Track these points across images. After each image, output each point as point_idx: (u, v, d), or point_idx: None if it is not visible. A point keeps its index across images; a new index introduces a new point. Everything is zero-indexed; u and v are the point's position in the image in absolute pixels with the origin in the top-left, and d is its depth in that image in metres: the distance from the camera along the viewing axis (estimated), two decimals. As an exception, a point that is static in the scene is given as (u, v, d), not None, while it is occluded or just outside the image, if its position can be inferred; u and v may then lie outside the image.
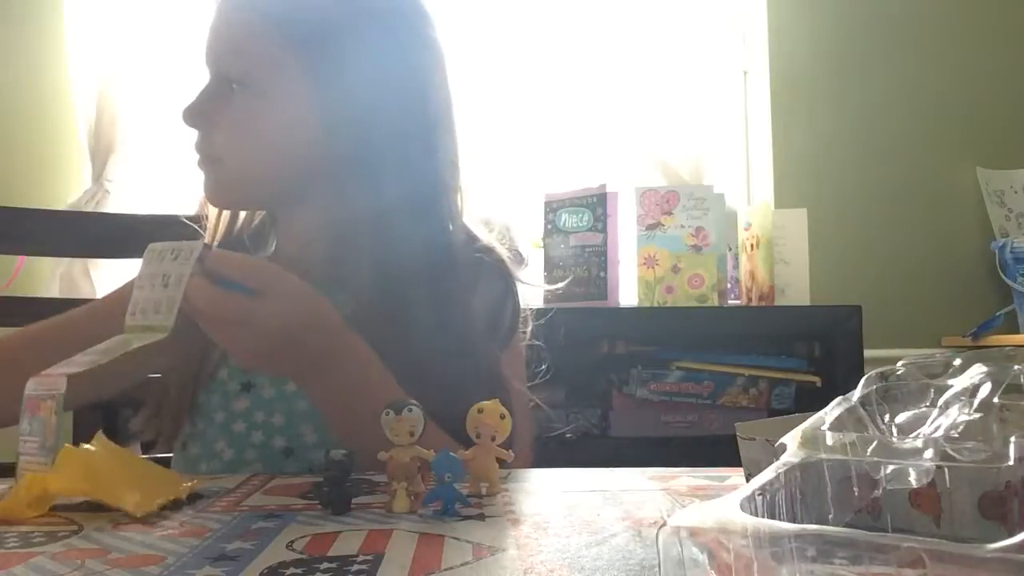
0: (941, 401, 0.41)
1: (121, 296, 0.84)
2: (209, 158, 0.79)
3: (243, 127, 0.78)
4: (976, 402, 0.40)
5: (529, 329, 0.90)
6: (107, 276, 1.95)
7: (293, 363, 0.68)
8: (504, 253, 0.87)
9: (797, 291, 1.86)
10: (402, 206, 0.79)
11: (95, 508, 0.50)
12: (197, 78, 0.81)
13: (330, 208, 0.81)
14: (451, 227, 0.83)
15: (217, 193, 0.82)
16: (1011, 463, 0.35)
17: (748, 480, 0.50)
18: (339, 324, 0.70)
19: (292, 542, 0.44)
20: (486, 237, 0.88)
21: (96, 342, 0.60)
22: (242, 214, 0.88)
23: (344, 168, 0.79)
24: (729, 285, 1.90)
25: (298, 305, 0.67)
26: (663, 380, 1.76)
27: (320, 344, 0.68)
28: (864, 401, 0.43)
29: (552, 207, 1.85)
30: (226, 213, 0.87)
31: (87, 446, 0.55)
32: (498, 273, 0.86)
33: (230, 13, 0.79)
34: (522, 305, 0.88)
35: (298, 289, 0.68)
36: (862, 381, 0.45)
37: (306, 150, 0.80)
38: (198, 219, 0.91)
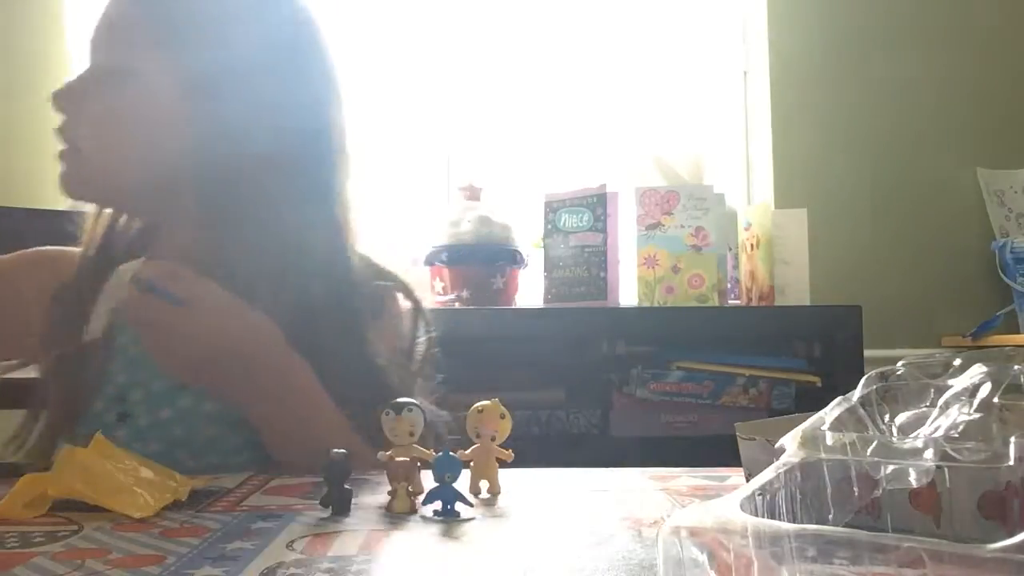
0: (941, 401, 0.41)
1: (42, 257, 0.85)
2: (71, 147, 0.77)
3: (109, 119, 0.76)
4: (976, 402, 0.40)
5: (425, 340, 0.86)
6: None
7: (228, 378, 0.69)
8: (404, 277, 0.85)
9: (797, 291, 1.86)
10: (291, 235, 0.76)
11: (95, 508, 0.50)
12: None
13: (210, 230, 0.77)
14: (345, 258, 0.80)
15: (68, 183, 0.78)
16: (1011, 463, 0.35)
17: (748, 480, 0.50)
18: (276, 339, 0.70)
19: (292, 542, 0.44)
20: (384, 263, 0.85)
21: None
22: (121, 219, 0.85)
23: (222, 189, 0.76)
24: (729, 285, 1.90)
25: (226, 319, 0.68)
26: (663, 380, 1.76)
27: (256, 360, 0.68)
28: (864, 401, 0.43)
29: (552, 207, 1.85)
30: (104, 217, 0.84)
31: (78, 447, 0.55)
32: (400, 298, 0.84)
33: (115, 3, 0.78)
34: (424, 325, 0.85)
35: (227, 303, 0.69)
36: (862, 381, 0.45)
37: (173, 159, 0.77)
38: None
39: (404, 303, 0.85)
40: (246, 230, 0.76)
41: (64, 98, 0.76)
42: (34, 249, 0.88)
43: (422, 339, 0.84)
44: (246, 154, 0.75)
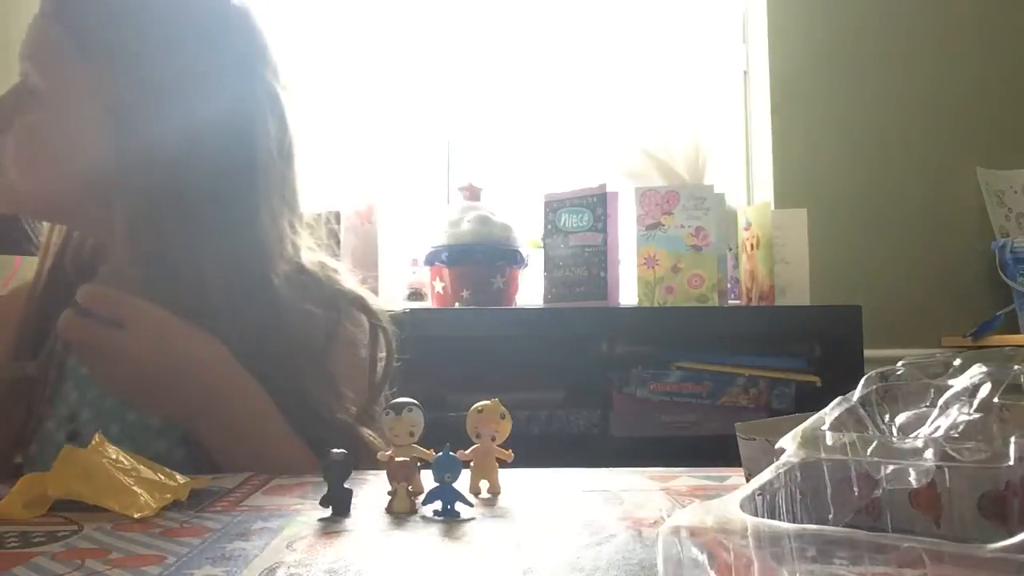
0: (941, 401, 0.41)
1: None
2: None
3: (28, 138, 0.75)
4: (976, 402, 0.40)
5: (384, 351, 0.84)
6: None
7: (172, 400, 0.69)
8: (360, 292, 0.84)
9: (797, 291, 1.86)
10: (215, 259, 0.74)
11: (95, 508, 0.50)
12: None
13: (139, 250, 0.74)
14: (276, 277, 0.77)
15: (5, 203, 0.79)
16: (1011, 463, 0.35)
17: (748, 480, 0.50)
18: (219, 355, 0.70)
19: (292, 542, 0.44)
20: (338, 280, 0.83)
21: None
22: (75, 233, 0.84)
23: (146, 208, 0.74)
24: (729, 285, 1.90)
25: (165, 341, 0.68)
26: (663, 380, 1.76)
27: (200, 380, 0.69)
28: (864, 401, 0.43)
29: (552, 207, 1.85)
30: (59, 229, 0.84)
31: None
32: (354, 311, 0.83)
33: (37, 16, 0.77)
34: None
35: (165, 325, 0.69)
36: (862, 381, 0.45)
37: (92, 176, 0.75)
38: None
39: (361, 319, 0.83)
40: (173, 251, 0.74)
41: None
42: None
43: (382, 355, 0.82)
44: (167, 172, 0.73)
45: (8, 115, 0.75)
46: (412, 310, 1.53)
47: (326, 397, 0.76)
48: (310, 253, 0.84)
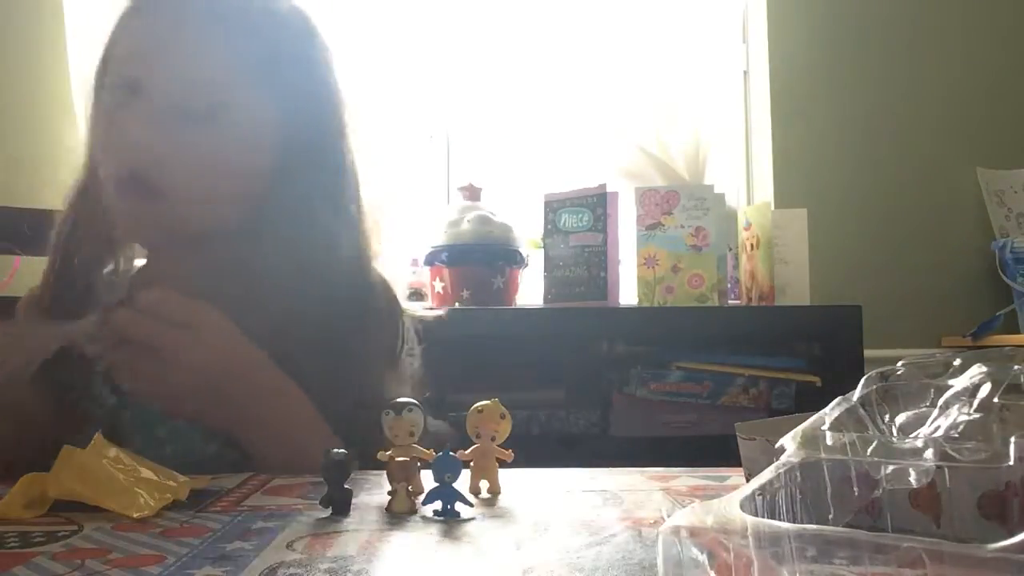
0: (941, 401, 0.41)
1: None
2: (149, 189, 0.71)
3: (200, 159, 0.73)
4: (976, 402, 0.40)
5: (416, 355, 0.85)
6: (107, 276, 1.94)
7: (219, 409, 0.68)
8: (402, 297, 0.85)
9: (797, 291, 1.86)
10: (315, 243, 0.75)
11: (95, 508, 0.50)
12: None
13: (251, 250, 0.75)
14: (363, 263, 0.79)
15: (145, 230, 0.76)
16: (1011, 463, 0.35)
17: (748, 480, 0.50)
18: (269, 369, 0.69)
19: (292, 542, 0.44)
20: (389, 278, 0.84)
21: None
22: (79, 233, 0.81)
23: (270, 201, 0.75)
24: (729, 285, 1.90)
25: (225, 350, 0.67)
26: (663, 380, 1.76)
27: (248, 391, 0.68)
28: (864, 401, 0.43)
29: (552, 207, 1.85)
30: (68, 231, 0.80)
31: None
32: (398, 319, 0.84)
33: (195, 32, 0.73)
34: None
35: (229, 332, 0.68)
36: (862, 381, 0.45)
37: (253, 183, 0.76)
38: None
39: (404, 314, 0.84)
40: (279, 245, 0.74)
41: (145, 149, 0.71)
42: (22, 300, 0.86)
43: (415, 354, 0.84)
44: (303, 182, 0.75)
45: (159, 147, 0.71)
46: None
47: (377, 390, 0.75)
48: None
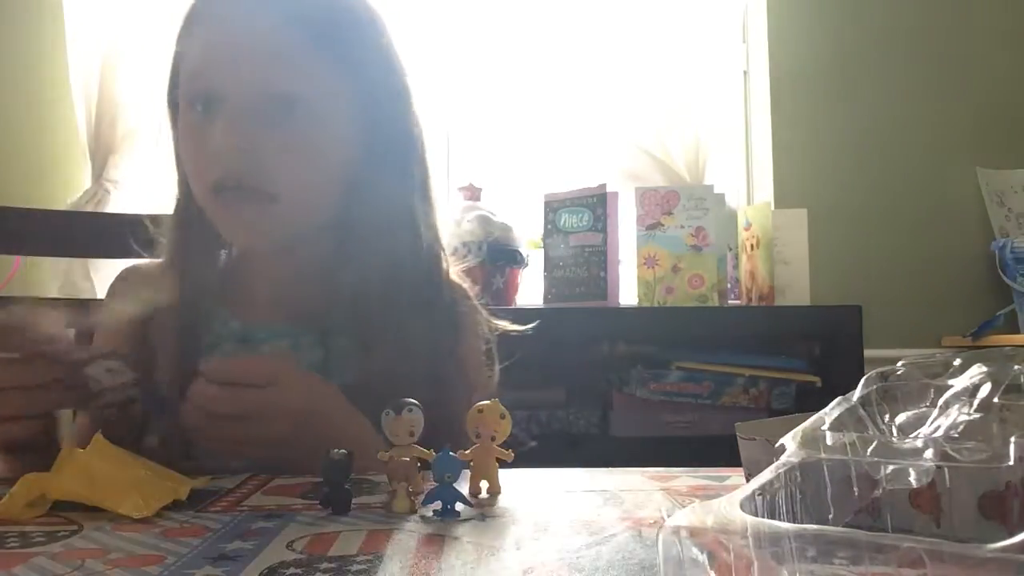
0: (941, 401, 0.41)
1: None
2: (259, 194, 0.71)
3: (307, 156, 0.72)
4: (976, 402, 0.40)
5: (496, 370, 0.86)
6: (107, 276, 1.95)
7: (300, 446, 0.67)
8: (473, 289, 0.86)
9: (797, 291, 1.86)
10: (394, 229, 0.76)
11: (95, 508, 0.50)
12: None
13: (330, 238, 0.77)
14: (433, 250, 0.81)
15: (259, 233, 0.75)
16: (1011, 463, 0.35)
17: (748, 480, 0.50)
18: (339, 401, 0.70)
19: (292, 542, 0.44)
20: (454, 271, 0.85)
21: None
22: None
23: (356, 191, 0.76)
24: (729, 285, 1.90)
25: (304, 392, 0.68)
26: (663, 380, 1.76)
27: (324, 425, 0.68)
28: (864, 401, 0.43)
29: (552, 207, 1.85)
30: (191, 241, 0.80)
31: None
32: (472, 310, 0.84)
33: (265, 28, 0.72)
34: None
35: (303, 377, 0.69)
36: (862, 381, 0.45)
37: (347, 172, 0.76)
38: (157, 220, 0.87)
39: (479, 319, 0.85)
40: (374, 243, 0.76)
41: (241, 135, 0.69)
42: (123, 271, 0.87)
43: (491, 360, 0.85)
44: (386, 169, 0.76)
45: (259, 144, 0.70)
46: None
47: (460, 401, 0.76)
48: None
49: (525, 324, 0.88)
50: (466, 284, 0.86)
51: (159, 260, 0.84)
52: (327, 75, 0.73)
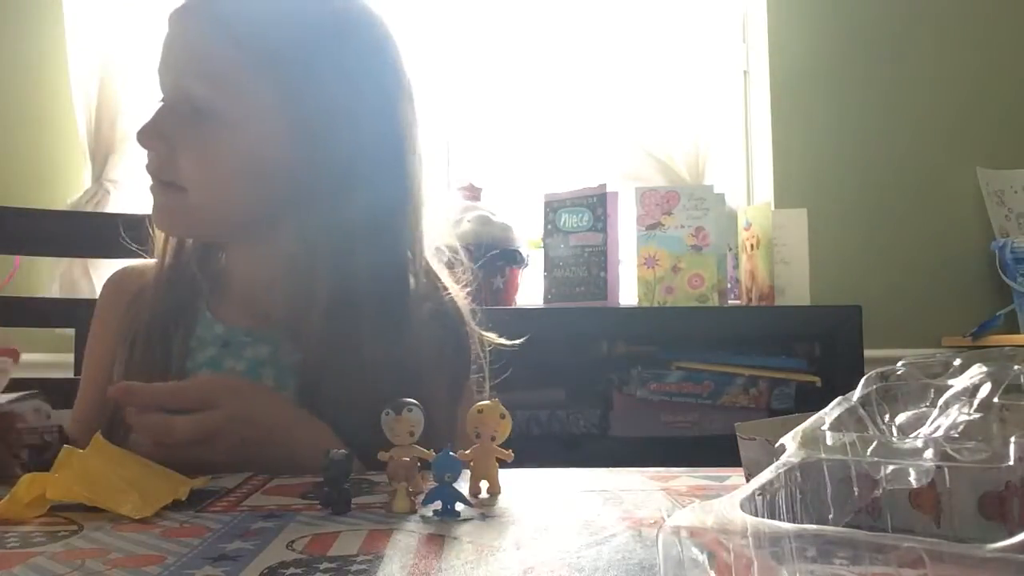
0: (941, 401, 0.41)
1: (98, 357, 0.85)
2: (168, 185, 0.76)
3: (211, 156, 0.75)
4: (976, 402, 0.40)
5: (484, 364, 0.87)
6: (107, 276, 1.94)
7: (259, 460, 0.69)
8: (461, 297, 0.86)
9: (797, 291, 1.86)
10: (365, 236, 0.77)
11: (95, 508, 0.50)
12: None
13: (292, 241, 0.78)
14: (411, 257, 0.81)
15: (175, 222, 0.79)
16: (1011, 463, 0.35)
17: (748, 480, 0.50)
18: (286, 407, 0.72)
19: (292, 542, 0.44)
20: (445, 278, 0.86)
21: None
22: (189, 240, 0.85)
23: (310, 196, 0.77)
24: (729, 285, 1.90)
25: (250, 405, 0.70)
26: (663, 380, 1.76)
27: (270, 431, 0.69)
28: (864, 401, 0.43)
29: (552, 207, 1.85)
30: (173, 238, 0.84)
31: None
32: (453, 320, 0.84)
33: (193, 33, 0.76)
34: (477, 345, 0.87)
35: (246, 390, 0.71)
36: (862, 381, 0.45)
37: (276, 179, 0.77)
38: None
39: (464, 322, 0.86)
40: (342, 230, 0.77)
41: (155, 137, 0.75)
42: (115, 274, 0.89)
43: (463, 362, 0.85)
44: (337, 159, 0.77)
45: (170, 136, 0.74)
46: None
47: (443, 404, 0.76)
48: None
49: (524, 324, 0.87)
50: (458, 298, 0.85)
51: (153, 260, 0.85)
52: (256, 95, 0.75)
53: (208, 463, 0.66)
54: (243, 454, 0.68)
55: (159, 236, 0.84)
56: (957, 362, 0.44)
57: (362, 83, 0.79)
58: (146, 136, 0.75)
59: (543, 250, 1.85)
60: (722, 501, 0.29)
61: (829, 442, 0.37)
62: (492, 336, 0.87)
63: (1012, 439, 0.35)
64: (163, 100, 0.76)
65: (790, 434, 0.38)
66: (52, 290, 1.93)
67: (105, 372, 0.82)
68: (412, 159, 0.81)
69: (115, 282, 0.88)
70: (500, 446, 0.55)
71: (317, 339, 0.76)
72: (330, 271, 0.76)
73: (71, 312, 1.09)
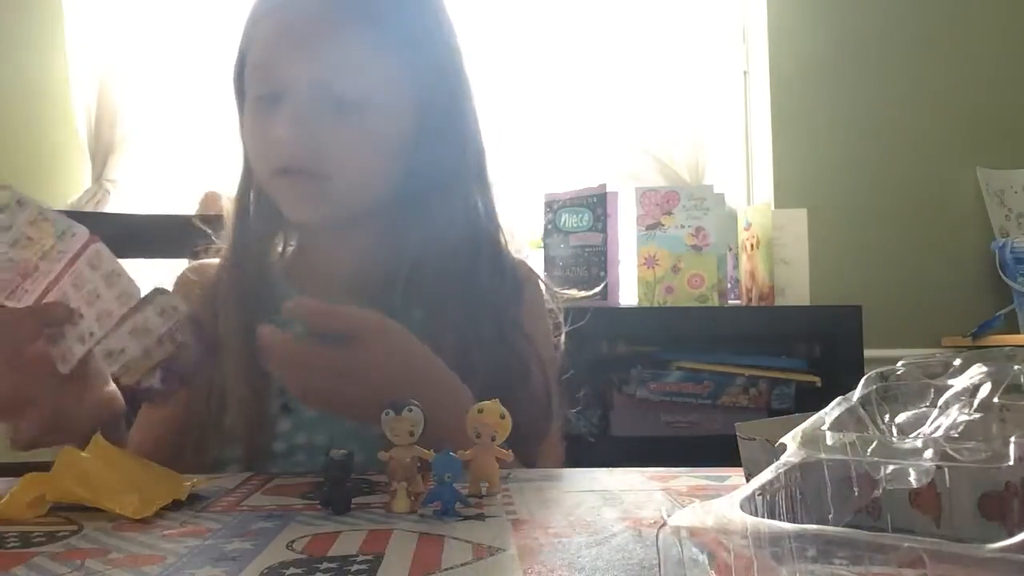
0: (941, 401, 0.41)
1: None
2: (310, 174, 0.75)
3: (356, 142, 0.76)
4: (976, 402, 0.40)
5: (562, 339, 0.90)
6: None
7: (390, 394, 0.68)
8: (536, 272, 0.90)
9: (797, 291, 1.86)
10: (448, 213, 0.80)
11: (95, 508, 0.50)
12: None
13: (393, 220, 0.81)
14: (493, 231, 0.85)
15: (317, 209, 0.78)
16: (1011, 463, 0.35)
17: (748, 480, 0.50)
18: (436, 364, 0.70)
19: (292, 542, 0.44)
20: (522, 255, 0.90)
21: None
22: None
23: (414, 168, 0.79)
24: (729, 285, 1.90)
25: (400, 354, 0.67)
26: (663, 380, 1.76)
27: (422, 388, 0.65)
28: (864, 401, 0.43)
29: (552, 207, 1.85)
30: (238, 219, 0.83)
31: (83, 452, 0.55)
32: (538, 292, 0.88)
33: (327, 18, 0.75)
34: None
35: (399, 336, 0.67)
36: (862, 381, 0.45)
37: (402, 155, 0.79)
38: (208, 220, 0.89)
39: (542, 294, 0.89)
40: (433, 224, 0.79)
41: (309, 136, 0.74)
42: (188, 268, 0.89)
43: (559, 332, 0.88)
44: (446, 162, 0.80)
45: (320, 133, 0.74)
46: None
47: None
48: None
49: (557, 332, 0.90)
50: (528, 261, 0.89)
51: (217, 260, 0.85)
52: (384, 70, 0.76)
53: (348, 402, 0.65)
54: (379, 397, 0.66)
55: (228, 229, 0.83)
56: (957, 362, 0.44)
57: (451, 41, 0.82)
58: (300, 135, 0.73)
59: (543, 250, 1.85)
60: (722, 501, 0.29)
61: (829, 442, 0.37)
62: (571, 292, 0.90)
63: (1012, 439, 0.35)
64: (287, 94, 0.75)
65: (790, 434, 0.38)
66: (52, 290, 1.93)
67: None
68: (480, 130, 0.85)
69: (193, 271, 0.88)
70: (500, 446, 0.55)
71: (412, 309, 0.77)
72: (418, 241, 0.79)
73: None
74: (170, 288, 0.80)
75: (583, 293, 0.88)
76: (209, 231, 0.87)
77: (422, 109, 0.79)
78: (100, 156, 2.01)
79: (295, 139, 0.74)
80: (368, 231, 0.82)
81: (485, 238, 0.83)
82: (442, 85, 0.80)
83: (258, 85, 0.77)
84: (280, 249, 0.86)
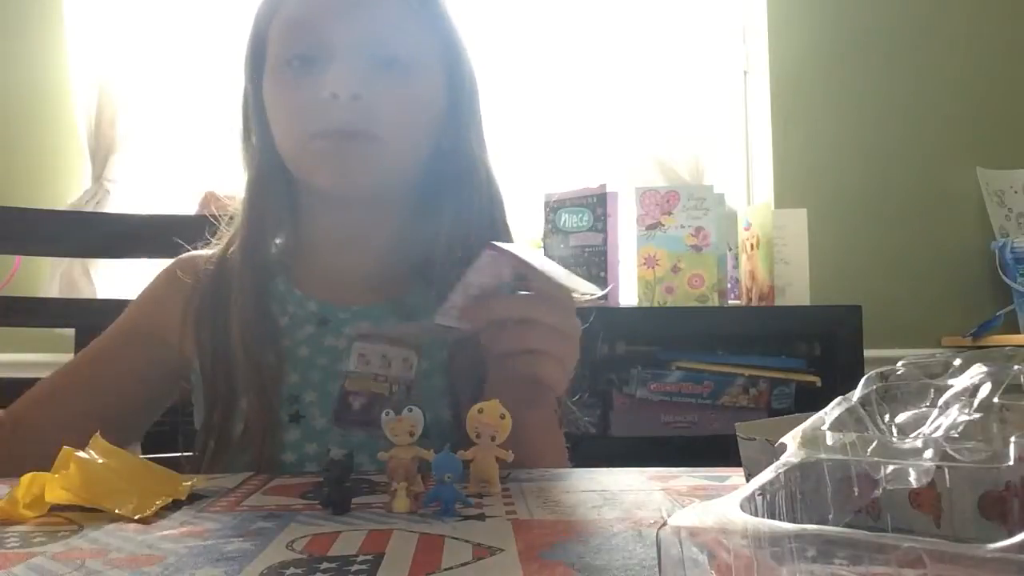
0: (941, 401, 0.41)
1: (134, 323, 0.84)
2: (361, 136, 0.74)
3: (406, 103, 0.76)
4: (976, 402, 0.40)
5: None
6: (107, 276, 1.95)
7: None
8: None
9: (797, 291, 1.86)
10: (469, 187, 0.81)
11: (95, 508, 0.50)
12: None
13: (415, 210, 0.81)
14: (501, 203, 0.86)
15: (368, 170, 0.76)
16: (1011, 463, 0.35)
17: (748, 480, 0.50)
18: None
19: (292, 542, 0.44)
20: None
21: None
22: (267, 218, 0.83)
23: (439, 174, 0.81)
24: (729, 285, 1.90)
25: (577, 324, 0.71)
26: (663, 380, 1.76)
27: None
28: (864, 401, 0.43)
29: (552, 207, 1.85)
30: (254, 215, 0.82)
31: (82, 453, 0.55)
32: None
33: (388, 4, 0.77)
34: None
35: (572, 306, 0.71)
36: (862, 381, 0.45)
37: (433, 127, 0.80)
38: (204, 219, 0.88)
39: None
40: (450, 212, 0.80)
41: (360, 84, 0.73)
42: (171, 263, 0.87)
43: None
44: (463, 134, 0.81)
45: (372, 88, 0.74)
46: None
47: None
48: None
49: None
50: None
51: (211, 251, 0.84)
52: (422, 31, 0.78)
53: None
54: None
55: (240, 216, 0.82)
56: (957, 362, 0.44)
57: (464, 32, 0.84)
58: (350, 89, 0.72)
59: (543, 250, 1.85)
60: (722, 501, 0.29)
61: (829, 442, 0.37)
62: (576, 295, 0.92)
63: (1012, 439, 0.35)
64: (332, 55, 0.74)
65: (790, 434, 0.38)
66: (52, 290, 1.93)
67: (133, 347, 0.81)
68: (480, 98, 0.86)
69: (183, 262, 0.86)
70: (500, 446, 0.56)
71: (426, 301, 0.77)
72: (435, 220, 0.79)
73: (71, 312, 1.09)
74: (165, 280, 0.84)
75: (587, 296, 0.88)
76: (221, 225, 0.86)
77: (451, 84, 0.80)
78: (100, 156, 2.01)
79: (351, 98, 0.72)
80: (390, 220, 0.82)
81: (502, 227, 0.85)
82: (465, 65, 0.82)
83: (293, 44, 0.76)
84: (277, 249, 0.85)
